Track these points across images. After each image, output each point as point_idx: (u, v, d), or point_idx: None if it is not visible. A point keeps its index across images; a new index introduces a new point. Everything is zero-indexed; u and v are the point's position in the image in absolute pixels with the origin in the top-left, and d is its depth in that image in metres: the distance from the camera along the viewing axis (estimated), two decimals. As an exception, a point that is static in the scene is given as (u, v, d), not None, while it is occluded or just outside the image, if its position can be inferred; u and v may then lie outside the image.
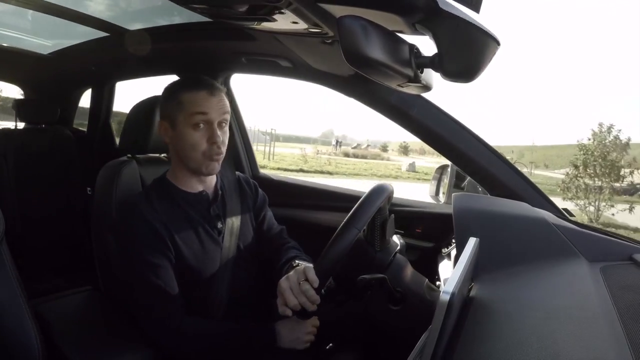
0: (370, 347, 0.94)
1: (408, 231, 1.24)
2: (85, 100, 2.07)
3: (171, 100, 0.88)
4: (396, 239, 0.96)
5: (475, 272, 0.73)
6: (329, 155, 22.26)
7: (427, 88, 0.72)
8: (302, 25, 0.75)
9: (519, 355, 0.47)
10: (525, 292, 0.68)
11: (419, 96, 0.97)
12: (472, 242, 0.65)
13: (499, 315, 0.59)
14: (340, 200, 1.38)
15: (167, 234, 0.86)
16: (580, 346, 0.48)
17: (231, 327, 0.88)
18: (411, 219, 1.26)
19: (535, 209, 0.89)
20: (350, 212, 0.77)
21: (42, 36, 1.64)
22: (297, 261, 0.89)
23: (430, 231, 1.24)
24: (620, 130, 8.98)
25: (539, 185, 1.02)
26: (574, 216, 0.97)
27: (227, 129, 0.91)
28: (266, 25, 0.81)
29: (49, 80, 2.04)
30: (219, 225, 0.94)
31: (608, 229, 1.00)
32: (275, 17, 0.73)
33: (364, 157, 25.64)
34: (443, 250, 1.11)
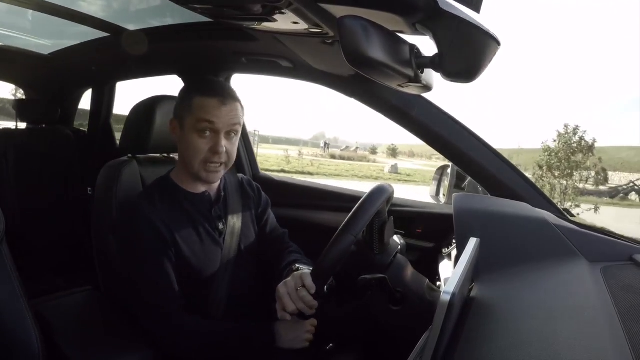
0: (371, 347, 0.94)
1: (408, 231, 1.24)
2: (86, 102, 2.07)
3: (184, 101, 0.88)
4: (396, 239, 0.96)
5: (475, 272, 0.73)
6: (314, 157, 22.17)
7: (427, 88, 0.72)
8: (302, 26, 0.75)
9: (519, 356, 0.47)
10: (525, 293, 0.68)
11: (420, 96, 0.97)
12: (472, 242, 0.65)
13: (499, 316, 0.59)
14: (341, 200, 1.38)
15: (169, 234, 0.86)
16: (580, 347, 0.47)
17: (231, 326, 0.88)
18: (411, 219, 1.27)
19: (536, 209, 0.89)
20: (348, 216, 0.78)
21: (42, 36, 1.64)
22: (297, 265, 0.89)
23: (430, 231, 1.24)
24: (585, 131, 9.37)
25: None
26: (574, 216, 0.97)
27: (236, 139, 0.89)
28: (266, 25, 0.80)
29: (49, 80, 2.04)
30: (220, 226, 0.94)
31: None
32: (275, 17, 0.72)
33: (350, 159, 25.59)
34: (443, 251, 1.11)
